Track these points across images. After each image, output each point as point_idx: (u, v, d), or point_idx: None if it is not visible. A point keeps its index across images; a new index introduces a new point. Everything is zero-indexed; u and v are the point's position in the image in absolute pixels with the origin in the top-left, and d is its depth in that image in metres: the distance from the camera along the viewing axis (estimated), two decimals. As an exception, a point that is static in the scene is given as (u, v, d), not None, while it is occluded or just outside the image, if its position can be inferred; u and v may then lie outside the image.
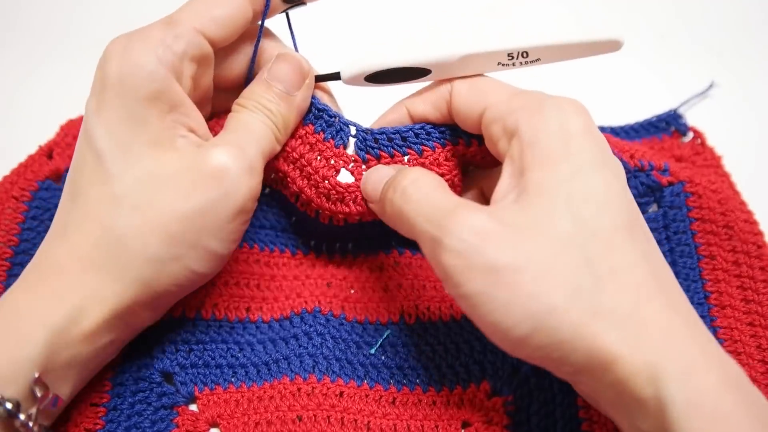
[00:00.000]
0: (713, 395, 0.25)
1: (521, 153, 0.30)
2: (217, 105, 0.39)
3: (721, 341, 0.38)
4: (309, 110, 0.38)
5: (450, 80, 0.36)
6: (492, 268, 0.28)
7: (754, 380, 0.37)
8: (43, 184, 0.43)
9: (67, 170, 0.44)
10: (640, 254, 0.28)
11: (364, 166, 0.38)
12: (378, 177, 0.36)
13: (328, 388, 0.38)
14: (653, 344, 0.26)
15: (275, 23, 0.38)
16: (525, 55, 0.34)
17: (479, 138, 0.36)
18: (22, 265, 0.40)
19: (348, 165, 0.38)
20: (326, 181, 0.38)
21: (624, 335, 0.26)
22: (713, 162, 0.47)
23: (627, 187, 0.31)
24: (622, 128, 0.49)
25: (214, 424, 0.37)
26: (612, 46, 0.33)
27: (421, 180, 0.33)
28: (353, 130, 0.38)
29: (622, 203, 0.29)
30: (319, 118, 0.38)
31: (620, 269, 0.28)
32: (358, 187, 0.38)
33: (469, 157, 0.38)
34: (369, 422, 0.37)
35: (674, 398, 0.25)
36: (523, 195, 0.29)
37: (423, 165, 0.37)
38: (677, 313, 0.27)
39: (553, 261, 0.28)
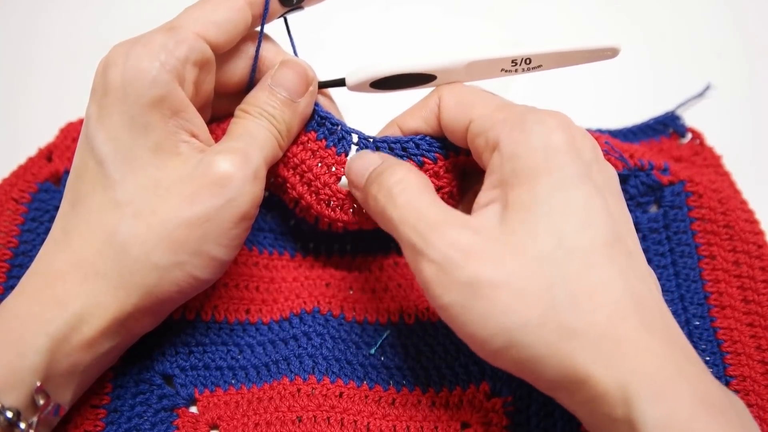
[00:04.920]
0: (685, 415, 0.25)
1: (501, 166, 0.30)
2: (217, 110, 0.39)
3: (720, 342, 0.38)
4: (312, 117, 0.38)
5: (438, 93, 0.36)
6: (470, 283, 0.28)
7: (753, 381, 0.37)
8: (42, 186, 0.43)
9: (66, 172, 0.44)
10: (617, 272, 0.28)
11: None
12: (363, 165, 0.35)
13: (328, 389, 0.38)
14: (626, 364, 0.26)
15: (273, 28, 0.38)
16: (528, 61, 0.35)
17: None
18: (21, 266, 0.40)
19: None
20: (327, 188, 0.38)
21: (597, 355, 0.27)
22: (713, 161, 0.46)
23: (616, 197, 0.31)
24: (620, 131, 0.49)
25: (214, 426, 0.37)
26: (610, 53, 0.34)
27: (406, 180, 0.32)
28: (355, 138, 0.38)
29: (603, 219, 0.29)
30: (321, 126, 0.38)
31: (596, 288, 0.28)
32: None
33: (470, 166, 0.38)
34: (369, 423, 0.37)
35: (646, 419, 0.25)
36: (506, 211, 0.30)
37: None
38: (653, 331, 0.27)
39: (531, 278, 0.28)
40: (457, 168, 0.38)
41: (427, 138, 0.37)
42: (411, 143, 0.37)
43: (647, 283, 0.29)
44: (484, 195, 0.31)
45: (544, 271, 0.28)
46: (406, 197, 0.31)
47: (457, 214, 0.31)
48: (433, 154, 0.37)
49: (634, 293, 0.28)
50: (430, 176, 0.37)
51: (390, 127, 0.38)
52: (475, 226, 0.30)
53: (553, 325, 0.27)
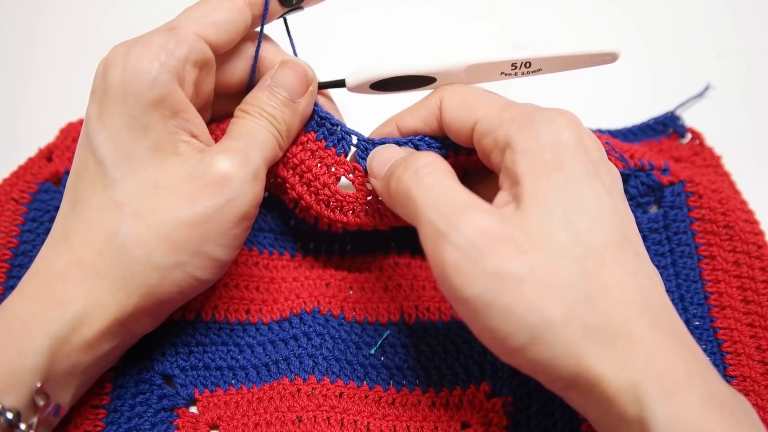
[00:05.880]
0: (695, 414, 0.25)
1: (514, 163, 0.30)
2: (217, 110, 0.39)
3: (720, 342, 0.38)
4: (311, 117, 0.38)
5: (439, 94, 0.36)
6: (495, 274, 0.27)
7: (753, 381, 0.37)
8: (42, 186, 0.43)
9: (66, 173, 0.44)
10: (628, 271, 0.28)
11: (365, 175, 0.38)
12: (388, 155, 0.35)
13: (328, 389, 0.38)
14: (638, 363, 0.26)
15: (273, 29, 0.38)
16: (528, 65, 0.35)
17: None
18: (21, 266, 0.40)
19: (349, 174, 0.38)
20: (326, 188, 0.38)
21: (611, 354, 0.26)
22: (713, 162, 0.46)
23: (621, 197, 0.31)
24: (620, 131, 0.49)
25: (214, 426, 0.37)
26: (610, 57, 0.34)
27: (436, 164, 0.32)
28: (354, 139, 0.38)
29: (613, 218, 0.29)
30: (321, 126, 0.38)
31: (611, 286, 0.28)
32: (358, 198, 0.38)
33: (470, 166, 0.38)
34: (369, 423, 0.37)
35: (657, 418, 0.25)
36: (522, 204, 0.29)
37: None
38: (662, 330, 0.27)
39: (554, 274, 0.27)
40: (457, 168, 0.38)
41: (426, 139, 0.37)
42: (410, 144, 0.37)
43: (654, 282, 0.29)
44: (503, 195, 0.31)
45: (566, 267, 0.28)
46: (434, 179, 0.31)
47: (483, 201, 0.30)
48: None
49: (643, 292, 0.28)
50: None
51: (388, 125, 0.38)
52: (499, 214, 0.29)
53: (574, 323, 0.27)
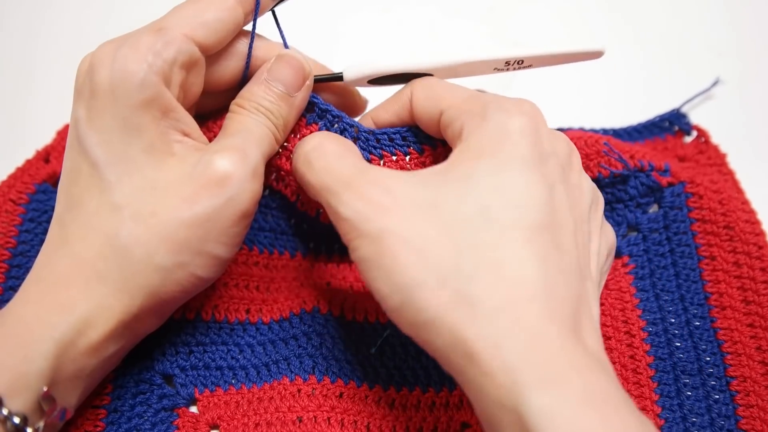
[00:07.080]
0: (572, 408, 0.24)
1: (457, 152, 0.31)
2: (207, 105, 0.38)
3: (721, 342, 0.38)
4: (312, 110, 0.38)
5: (410, 87, 0.36)
6: (377, 237, 0.28)
7: (754, 381, 0.37)
8: (40, 187, 0.43)
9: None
10: (533, 254, 0.27)
11: None
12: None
13: (328, 389, 0.38)
14: (517, 347, 0.25)
15: (262, 22, 0.37)
16: (520, 62, 0.36)
17: None
18: (20, 267, 0.40)
19: None
20: None
21: (488, 331, 0.26)
22: (717, 160, 0.46)
23: (569, 194, 0.31)
24: (624, 129, 0.49)
25: (215, 426, 0.37)
26: (595, 55, 0.36)
27: (323, 146, 0.33)
28: (356, 131, 0.38)
29: (536, 206, 0.28)
30: (322, 118, 0.38)
31: (506, 264, 0.27)
32: None
33: None
34: (369, 423, 0.37)
35: (530, 407, 0.24)
36: (440, 177, 0.30)
37: (424, 163, 0.37)
38: (555, 321, 0.26)
39: (437, 241, 0.28)
40: (438, 162, 0.38)
41: (402, 131, 0.37)
42: (410, 132, 0.37)
43: (569, 280, 0.29)
44: None
45: (454, 236, 0.28)
46: (322, 162, 0.32)
47: (375, 172, 0.31)
48: (433, 140, 0.37)
49: (547, 281, 0.27)
50: (431, 162, 0.37)
51: (364, 121, 0.39)
52: (388, 186, 0.30)
53: (450, 291, 0.27)
